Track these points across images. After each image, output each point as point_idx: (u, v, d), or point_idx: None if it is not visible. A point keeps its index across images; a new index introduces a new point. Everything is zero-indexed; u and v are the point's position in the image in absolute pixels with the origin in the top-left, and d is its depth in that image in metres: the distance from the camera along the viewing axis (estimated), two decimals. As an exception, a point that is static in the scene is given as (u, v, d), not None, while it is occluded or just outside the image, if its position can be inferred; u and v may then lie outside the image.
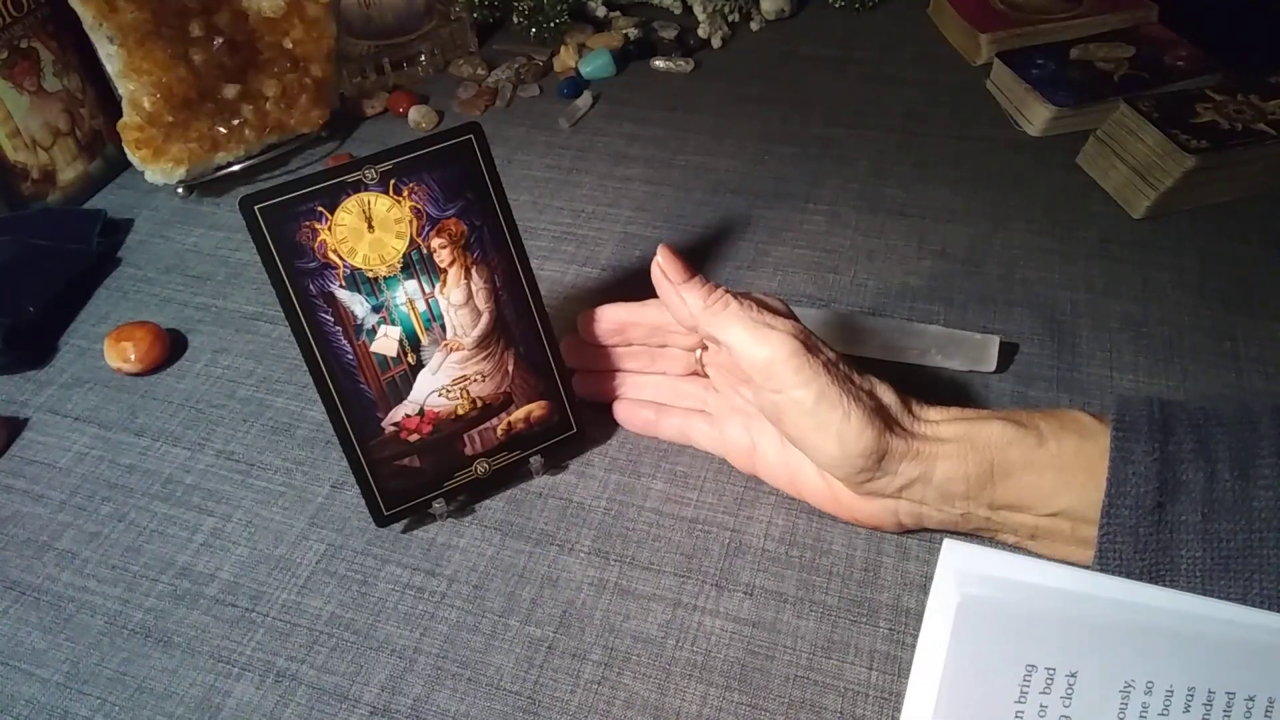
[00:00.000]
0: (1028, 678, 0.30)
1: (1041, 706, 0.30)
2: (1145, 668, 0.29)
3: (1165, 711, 0.29)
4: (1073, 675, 0.30)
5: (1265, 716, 0.29)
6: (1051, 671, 0.30)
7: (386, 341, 0.43)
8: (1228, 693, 0.29)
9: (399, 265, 0.43)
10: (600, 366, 0.50)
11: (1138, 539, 0.36)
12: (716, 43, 0.82)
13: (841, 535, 0.44)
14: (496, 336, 0.45)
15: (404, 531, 0.46)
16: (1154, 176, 0.60)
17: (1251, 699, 0.29)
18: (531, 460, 0.47)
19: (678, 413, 0.48)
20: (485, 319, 0.45)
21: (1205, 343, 0.53)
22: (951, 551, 0.31)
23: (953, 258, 0.60)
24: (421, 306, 0.44)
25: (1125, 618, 0.30)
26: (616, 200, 0.66)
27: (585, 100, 0.75)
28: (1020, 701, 0.30)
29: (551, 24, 0.80)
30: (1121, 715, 0.29)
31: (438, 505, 0.45)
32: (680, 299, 0.42)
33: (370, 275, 0.42)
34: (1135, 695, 0.29)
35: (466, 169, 0.43)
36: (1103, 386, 0.51)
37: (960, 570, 0.31)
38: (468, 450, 0.46)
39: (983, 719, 0.30)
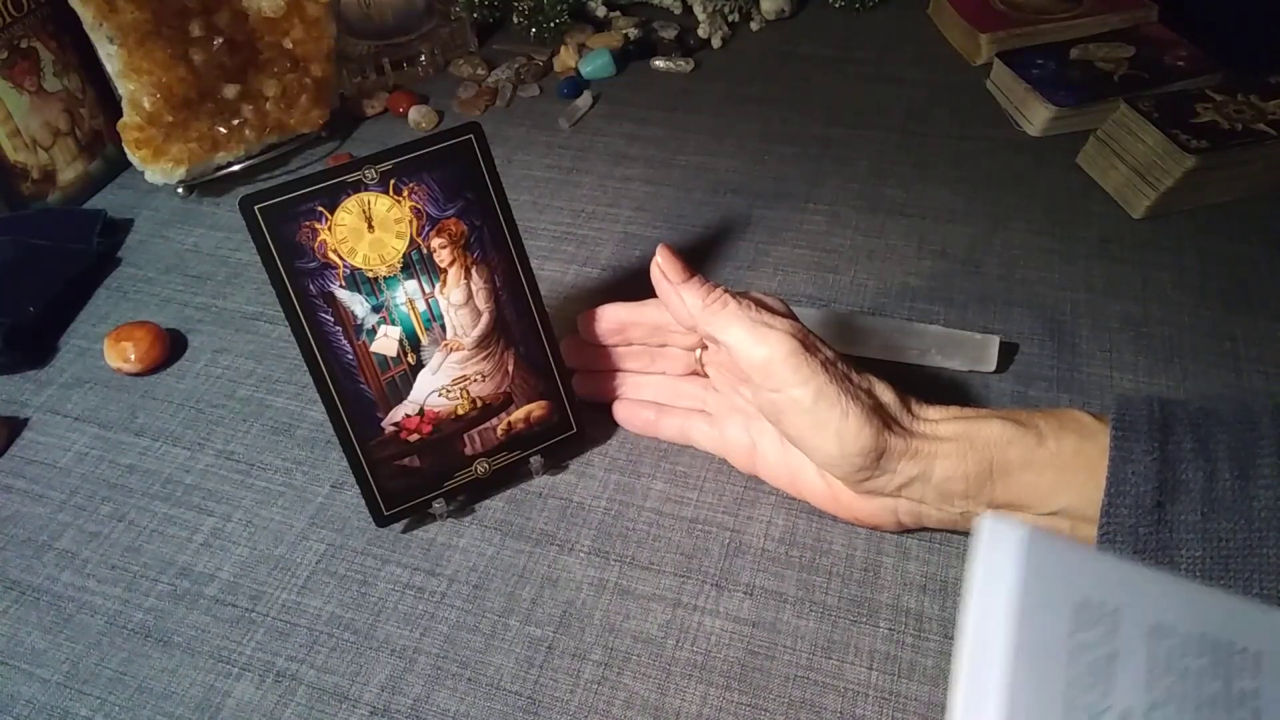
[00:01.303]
0: (1083, 614, 0.29)
1: (1088, 644, 0.29)
2: (1174, 615, 0.29)
3: (1186, 655, 0.29)
4: (1117, 613, 0.29)
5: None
6: (1101, 608, 0.29)
7: (386, 341, 0.43)
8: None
9: (399, 265, 0.43)
10: (600, 366, 0.50)
11: (1137, 538, 0.36)
12: (716, 43, 0.82)
13: (841, 535, 0.44)
14: (496, 336, 0.45)
15: (404, 531, 0.46)
16: (1154, 176, 0.60)
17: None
18: (531, 460, 0.47)
19: (678, 413, 0.48)
20: (485, 319, 0.45)
21: (1205, 343, 0.53)
22: (991, 519, 0.31)
23: (953, 258, 0.60)
24: (421, 306, 0.44)
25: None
26: (616, 200, 0.66)
27: (585, 100, 0.75)
28: (1075, 635, 0.29)
29: (551, 24, 0.80)
30: (1152, 661, 0.29)
31: (438, 505, 0.45)
32: (679, 298, 0.42)
33: (370, 275, 0.42)
34: (1165, 641, 0.29)
35: (466, 169, 0.43)
36: (1103, 386, 0.51)
37: (1008, 521, 0.31)
38: (468, 450, 0.46)
39: (1054, 659, 0.29)
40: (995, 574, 0.30)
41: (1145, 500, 0.36)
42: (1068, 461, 0.38)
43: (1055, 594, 0.30)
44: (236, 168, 0.69)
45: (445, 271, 0.44)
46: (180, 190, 0.68)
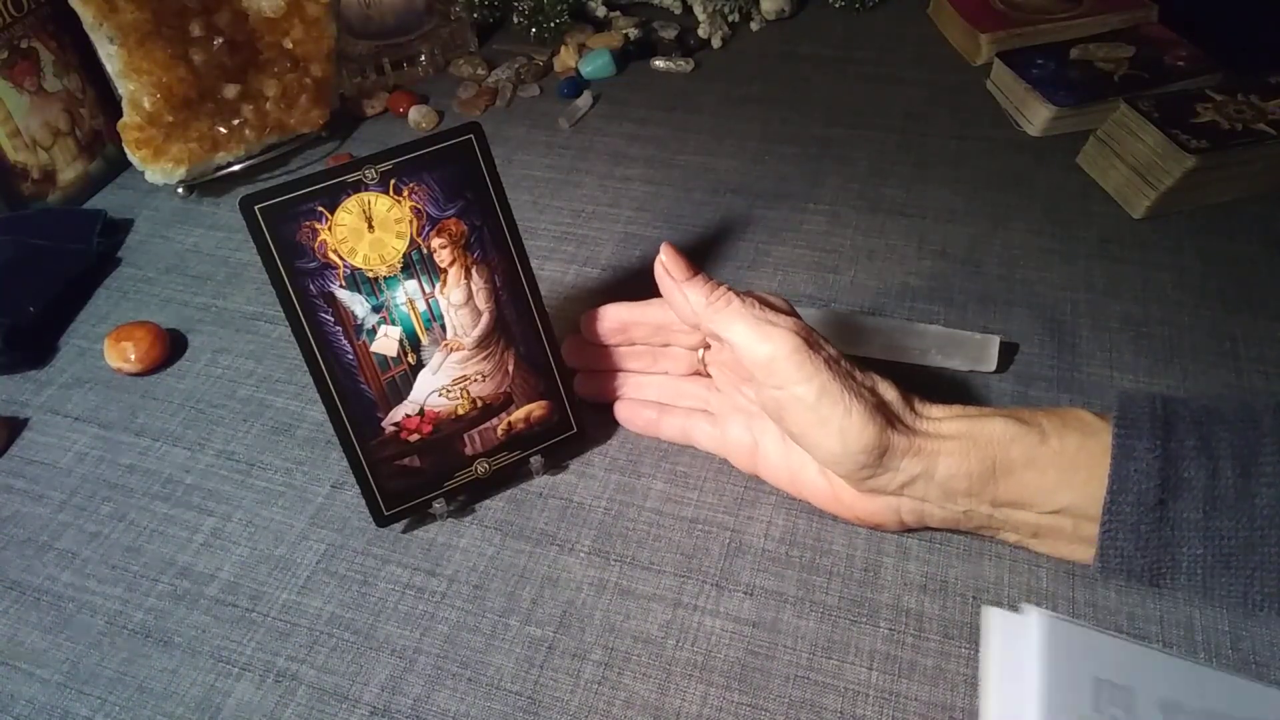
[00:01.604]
0: (1102, 692, 0.30)
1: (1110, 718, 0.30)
2: (1182, 691, 0.30)
3: None
4: (1130, 690, 0.30)
5: None
6: (1115, 686, 0.30)
7: (386, 341, 0.43)
8: None
9: (399, 265, 0.43)
10: (602, 366, 0.50)
11: (1139, 536, 0.36)
12: (716, 43, 0.82)
13: (841, 535, 0.44)
14: (496, 336, 0.45)
15: (404, 531, 0.46)
16: (1154, 176, 0.60)
17: None
18: (531, 460, 0.47)
19: (679, 412, 0.48)
20: (485, 319, 0.45)
21: (1205, 343, 0.53)
22: (997, 611, 0.33)
23: (953, 258, 0.60)
24: (421, 306, 0.44)
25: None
26: (616, 200, 0.66)
27: (585, 100, 0.75)
28: (1097, 711, 0.30)
29: (551, 24, 0.80)
30: None
31: (438, 505, 0.45)
32: (683, 296, 0.42)
33: (370, 275, 0.42)
34: (1177, 716, 0.30)
35: (466, 169, 0.43)
36: (1103, 386, 0.51)
37: (1020, 610, 0.32)
38: (468, 450, 0.45)
39: None
40: (1016, 661, 0.32)
41: (1147, 498, 0.36)
42: (1070, 459, 0.38)
43: (1076, 674, 0.31)
44: (236, 168, 0.69)
45: (445, 271, 0.44)
46: (180, 190, 0.68)
